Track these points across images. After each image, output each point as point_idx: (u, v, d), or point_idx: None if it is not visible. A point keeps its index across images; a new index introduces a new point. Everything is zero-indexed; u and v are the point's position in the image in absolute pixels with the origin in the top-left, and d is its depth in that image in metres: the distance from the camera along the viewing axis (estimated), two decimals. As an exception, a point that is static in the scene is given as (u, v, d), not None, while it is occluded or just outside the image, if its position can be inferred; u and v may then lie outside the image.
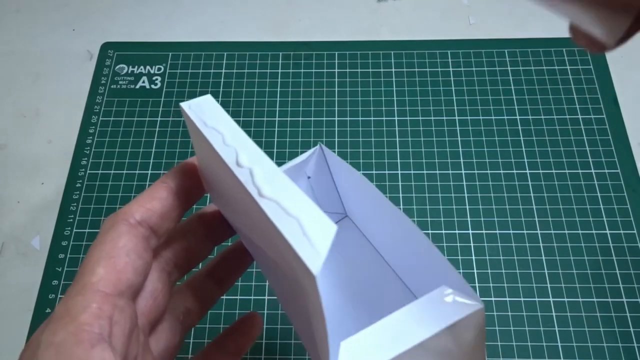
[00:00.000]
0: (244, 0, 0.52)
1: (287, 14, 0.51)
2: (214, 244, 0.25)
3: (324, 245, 0.15)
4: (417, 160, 0.42)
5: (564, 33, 0.48)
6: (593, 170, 0.41)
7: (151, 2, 0.52)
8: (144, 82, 0.46)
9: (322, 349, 0.18)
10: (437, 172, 0.41)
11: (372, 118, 0.44)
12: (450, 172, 0.41)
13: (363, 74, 0.46)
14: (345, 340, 0.18)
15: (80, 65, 0.48)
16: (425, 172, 0.41)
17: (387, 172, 0.41)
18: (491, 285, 0.37)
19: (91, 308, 0.17)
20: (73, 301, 0.18)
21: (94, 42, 0.49)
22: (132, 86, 0.46)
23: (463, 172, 0.41)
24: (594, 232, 0.38)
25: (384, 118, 0.44)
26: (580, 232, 0.38)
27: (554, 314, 0.36)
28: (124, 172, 0.42)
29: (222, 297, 0.37)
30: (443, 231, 0.39)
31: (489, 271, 0.37)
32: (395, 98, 0.45)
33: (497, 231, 0.39)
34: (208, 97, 0.21)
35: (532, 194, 0.40)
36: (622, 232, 0.38)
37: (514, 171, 0.41)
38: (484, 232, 0.39)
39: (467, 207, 0.39)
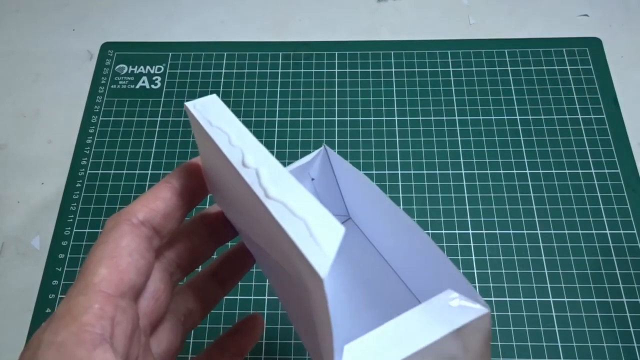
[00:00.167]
0: (244, 0, 0.52)
1: (287, 14, 0.51)
2: (217, 245, 0.25)
3: (331, 247, 0.15)
4: (417, 160, 0.42)
5: (564, 33, 0.48)
6: (593, 170, 0.41)
7: (151, 2, 0.52)
8: (144, 82, 0.46)
9: (326, 352, 0.18)
10: (437, 172, 0.41)
11: (372, 118, 0.44)
12: (450, 172, 0.41)
13: (363, 74, 0.46)
14: (348, 343, 0.18)
15: (80, 65, 0.48)
16: (425, 172, 0.41)
17: (387, 172, 0.41)
18: (491, 285, 0.37)
19: (93, 308, 0.17)
20: (75, 301, 0.17)
21: (94, 42, 0.49)
22: (132, 86, 0.46)
23: (463, 172, 0.41)
24: (594, 232, 0.38)
25: (384, 118, 0.44)
26: (580, 232, 0.38)
27: (554, 314, 0.36)
28: (124, 172, 0.42)
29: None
30: (443, 231, 0.39)
31: (489, 271, 0.37)
32: (395, 98, 0.45)
33: (497, 231, 0.39)
34: (213, 97, 0.21)
35: (532, 194, 0.40)
36: (622, 232, 0.38)
37: (514, 171, 0.41)
38: (484, 232, 0.39)
39: (467, 207, 0.39)
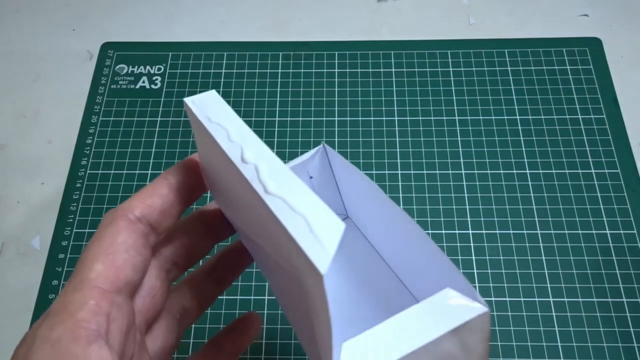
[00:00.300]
0: (244, 0, 0.52)
1: (287, 14, 0.51)
2: (214, 243, 0.25)
3: (332, 243, 0.14)
4: (417, 160, 0.42)
5: (564, 33, 0.48)
6: (593, 170, 0.41)
7: (151, 2, 0.52)
8: (144, 82, 0.46)
9: (324, 350, 0.18)
10: (437, 172, 0.41)
11: (372, 118, 0.44)
12: (450, 172, 0.41)
13: (363, 74, 0.46)
14: (346, 341, 0.18)
15: (80, 65, 0.48)
16: (425, 172, 0.41)
17: (387, 172, 0.41)
18: (491, 285, 0.37)
19: (89, 305, 0.17)
20: (70, 297, 0.17)
21: (94, 42, 0.49)
22: (132, 86, 0.46)
23: (463, 172, 0.41)
24: (594, 232, 0.38)
25: (384, 118, 0.44)
26: (580, 232, 0.38)
27: (554, 314, 0.36)
28: (124, 172, 0.42)
29: (220, 296, 0.37)
30: (443, 231, 0.39)
31: (489, 271, 0.37)
32: (395, 98, 0.45)
33: (497, 231, 0.39)
34: (212, 93, 0.21)
35: (532, 194, 0.40)
36: (622, 232, 0.38)
37: (514, 171, 0.41)
38: (484, 232, 0.38)
39: (467, 207, 0.39)
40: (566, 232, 0.38)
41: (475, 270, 0.37)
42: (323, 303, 0.15)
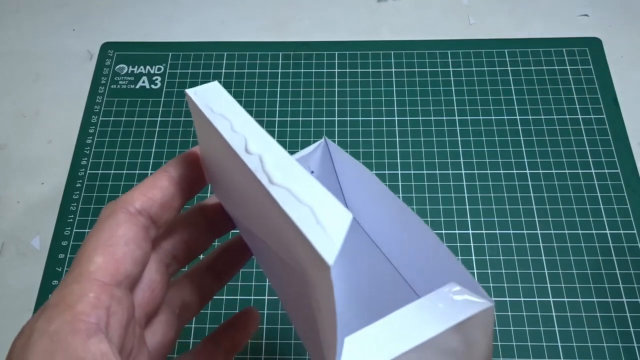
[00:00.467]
0: (244, 0, 0.52)
1: (287, 14, 0.51)
2: (214, 237, 0.24)
3: (339, 234, 0.14)
4: (417, 160, 0.42)
5: (564, 33, 0.48)
6: (593, 170, 0.41)
7: (151, 2, 0.52)
8: (144, 82, 0.46)
9: (327, 344, 0.17)
10: (437, 172, 0.41)
11: (372, 118, 0.44)
12: (450, 172, 0.41)
13: (363, 74, 0.46)
14: (349, 335, 0.18)
15: (80, 65, 0.48)
16: (425, 172, 0.41)
17: (387, 172, 0.41)
18: (491, 285, 0.37)
19: (88, 297, 0.17)
20: (69, 289, 0.17)
21: (94, 42, 0.49)
22: (132, 86, 0.46)
23: (463, 172, 0.41)
24: (594, 232, 0.38)
25: (384, 118, 0.44)
26: (580, 232, 0.38)
27: (554, 314, 0.36)
28: (124, 172, 0.42)
29: (220, 296, 0.37)
30: (443, 231, 0.39)
31: (489, 271, 0.37)
32: (395, 98, 0.45)
33: (497, 231, 0.39)
34: (215, 84, 0.20)
35: (532, 194, 0.40)
36: (622, 232, 0.38)
37: (514, 171, 0.41)
38: (484, 232, 0.38)
39: (467, 207, 0.39)
40: (566, 232, 0.38)
41: (475, 270, 0.37)
42: (329, 295, 0.15)
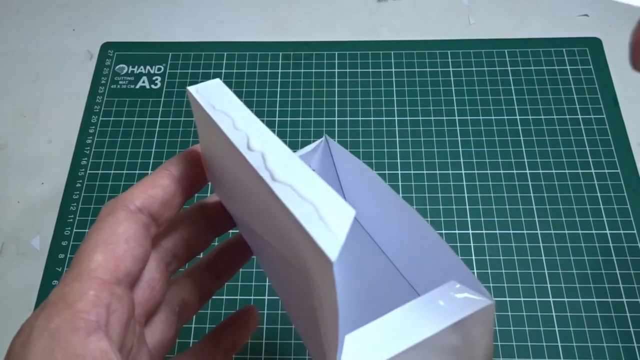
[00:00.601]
0: (243, 0, 0.52)
1: (287, 14, 0.51)
2: (215, 236, 0.24)
3: (342, 229, 0.14)
4: (417, 160, 0.42)
5: (564, 33, 0.48)
6: (593, 170, 0.41)
7: (151, 2, 0.52)
8: (144, 82, 0.46)
9: (329, 342, 0.17)
10: (437, 172, 0.41)
11: (372, 118, 0.44)
12: (450, 172, 0.41)
13: (363, 74, 0.46)
14: (350, 333, 0.18)
15: (80, 65, 0.48)
16: (425, 172, 0.41)
17: (387, 172, 0.41)
18: (491, 285, 0.37)
19: (88, 295, 0.17)
20: (69, 287, 0.17)
21: (94, 42, 0.49)
22: (132, 86, 0.46)
23: (463, 172, 0.41)
24: (594, 232, 0.38)
25: (384, 118, 0.44)
26: (580, 232, 0.38)
27: (554, 314, 0.36)
28: (124, 172, 0.42)
29: (220, 296, 0.37)
30: (443, 231, 0.39)
31: (489, 271, 0.37)
32: (395, 98, 0.45)
33: (497, 231, 0.39)
34: (217, 81, 0.20)
35: (532, 194, 0.40)
36: (622, 232, 0.38)
37: (514, 171, 0.41)
38: (484, 232, 0.38)
39: (467, 207, 0.39)
40: (566, 232, 0.38)
41: (475, 270, 0.37)
42: (331, 292, 0.15)
